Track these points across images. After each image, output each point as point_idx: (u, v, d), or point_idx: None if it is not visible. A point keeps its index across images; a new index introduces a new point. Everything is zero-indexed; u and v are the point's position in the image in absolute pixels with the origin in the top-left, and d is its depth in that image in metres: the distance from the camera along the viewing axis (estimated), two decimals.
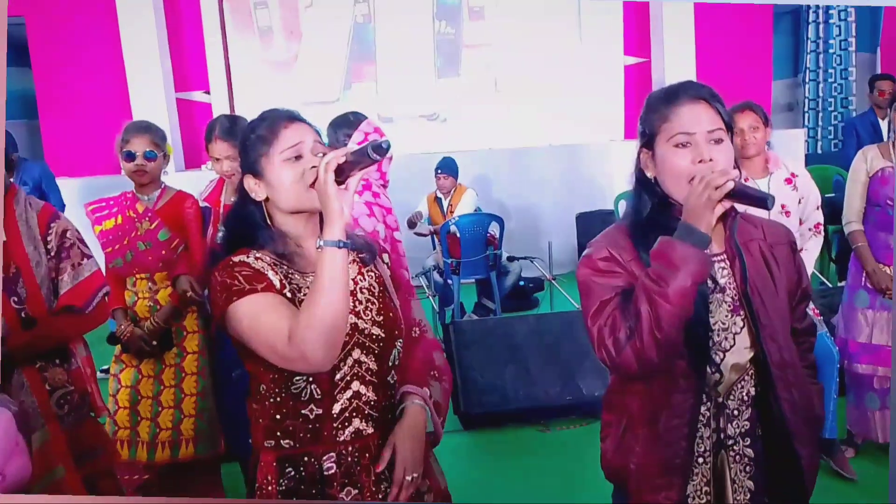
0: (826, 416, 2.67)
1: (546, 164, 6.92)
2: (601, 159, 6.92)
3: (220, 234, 2.65)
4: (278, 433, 1.35)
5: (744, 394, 1.43)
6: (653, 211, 1.41)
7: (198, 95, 6.93)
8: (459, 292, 5.11)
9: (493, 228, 5.11)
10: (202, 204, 2.75)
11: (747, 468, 1.44)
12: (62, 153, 5.27)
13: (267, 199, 1.37)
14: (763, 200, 1.28)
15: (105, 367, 3.02)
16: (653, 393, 1.39)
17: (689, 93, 1.38)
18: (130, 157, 2.60)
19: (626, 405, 1.46)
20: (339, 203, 1.23)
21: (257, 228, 1.36)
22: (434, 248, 5.38)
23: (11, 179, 2.19)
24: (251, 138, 1.37)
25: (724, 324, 1.41)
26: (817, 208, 2.92)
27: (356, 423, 1.35)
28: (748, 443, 1.44)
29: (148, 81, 6.52)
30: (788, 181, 2.86)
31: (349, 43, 6.95)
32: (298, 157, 1.34)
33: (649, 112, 1.42)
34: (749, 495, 1.44)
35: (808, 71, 7.91)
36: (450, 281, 5.08)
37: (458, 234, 5.00)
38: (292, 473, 1.35)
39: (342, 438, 1.35)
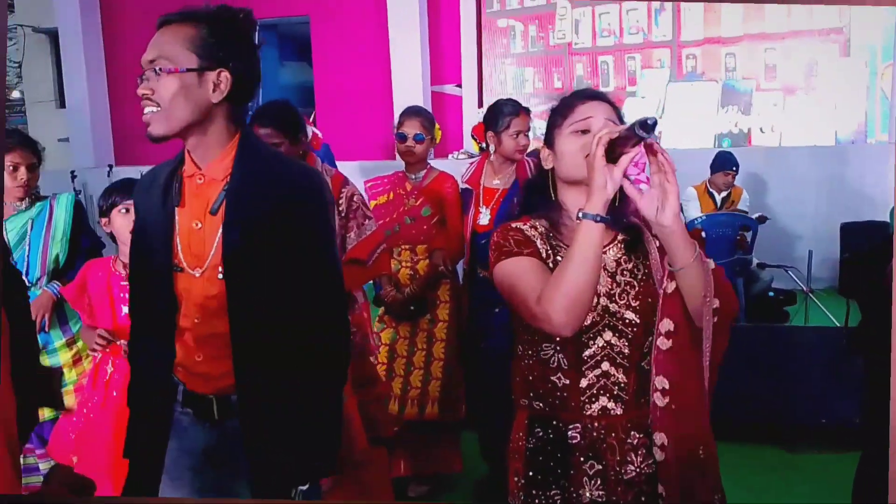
0: None
1: (809, 165, 6.33)
2: (873, 163, 6.17)
3: (482, 214, 2.84)
4: (531, 393, 1.42)
5: None
6: None
7: (449, 88, 7.35)
8: None
9: (745, 231, 4.80)
10: (463, 185, 2.93)
11: None
12: (335, 139, 5.90)
13: (552, 170, 1.45)
14: None
15: None
16: None
17: None
18: (402, 138, 2.85)
19: None
20: (604, 177, 1.25)
21: (540, 197, 1.45)
22: None
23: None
24: (552, 114, 1.46)
25: None
26: None
27: (603, 400, 1.38)
28: None
29: (409, 76, 7.07)
30: None
31: None
32: (586, 131, 1.38)
33: None
34: None
35: None
36: None
37: (703, 234, 4.76)
38: (540, 434, 1.40)
39: (589, 412, 1.38)
